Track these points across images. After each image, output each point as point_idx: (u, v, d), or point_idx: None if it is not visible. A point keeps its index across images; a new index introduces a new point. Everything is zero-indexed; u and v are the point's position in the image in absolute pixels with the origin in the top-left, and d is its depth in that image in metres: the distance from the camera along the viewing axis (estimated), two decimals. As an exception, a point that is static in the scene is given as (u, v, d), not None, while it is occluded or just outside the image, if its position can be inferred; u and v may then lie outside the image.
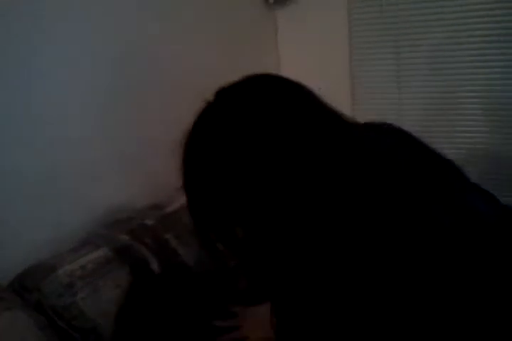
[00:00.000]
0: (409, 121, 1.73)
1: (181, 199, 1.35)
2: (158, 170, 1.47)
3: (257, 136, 0.74)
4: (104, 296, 1.03)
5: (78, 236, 1.14)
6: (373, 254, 0.67)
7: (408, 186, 0.72)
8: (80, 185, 1.24)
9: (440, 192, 0.74)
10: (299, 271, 0.73)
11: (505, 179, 1.75)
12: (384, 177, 0.72)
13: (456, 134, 1.82)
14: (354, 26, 1.88)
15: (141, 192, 1.40)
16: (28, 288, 1.00)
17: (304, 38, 1.96)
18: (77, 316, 1.00)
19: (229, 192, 0.77)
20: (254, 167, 0.74)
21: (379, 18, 1.82)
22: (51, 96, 1.15)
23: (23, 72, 1.09)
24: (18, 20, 1.07)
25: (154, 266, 1.14)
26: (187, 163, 0.81)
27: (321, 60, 1.94)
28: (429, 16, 1.73)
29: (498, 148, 1.76)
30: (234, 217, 0.81)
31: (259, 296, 0.99)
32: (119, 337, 1.00)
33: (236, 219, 0.81)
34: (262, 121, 0.74)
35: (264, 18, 1.95)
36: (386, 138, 0.82)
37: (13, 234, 1.09)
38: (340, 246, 0.69)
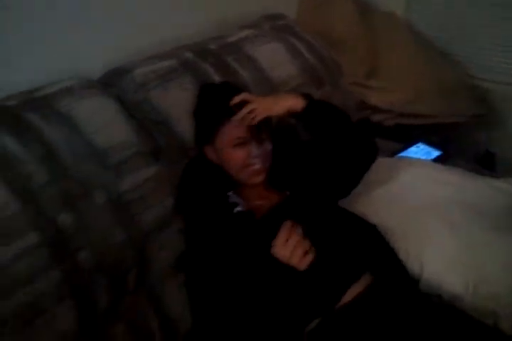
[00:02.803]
0: None
1: (242, 33, 1.49)
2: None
3: None
4: (172, 95, 1.21)
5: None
6: None
7: None
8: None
9: None
10: None
11: None
12: None
13: None
14: None
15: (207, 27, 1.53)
16: (109, 84, 1.20)
17: None
18: (150, 110, 1.20)
19: None
20: None
21: None
22: None
23: None
24: None
25: (216, 78, 1.30)
26: None
27: None
28: None
29: None
30: None
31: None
32: None
33: None
34: None
35: None
36: None
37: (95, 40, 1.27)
38: None
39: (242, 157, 1.15)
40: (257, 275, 1.02)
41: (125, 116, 1.13)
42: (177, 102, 1.21)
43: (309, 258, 0.96)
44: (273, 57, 1.43)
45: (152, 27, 1.38)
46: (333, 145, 1.17)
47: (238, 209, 1.15)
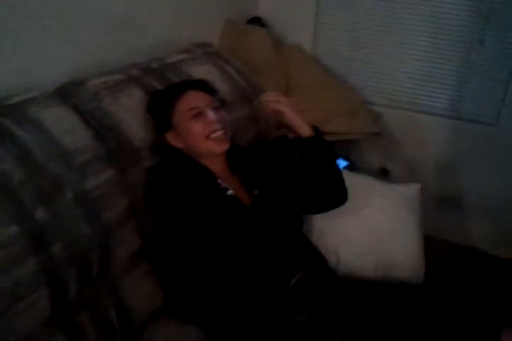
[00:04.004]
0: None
1: (180, 56, 1.66)
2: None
3: None
4: (122, 103, 1.32)
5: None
6: None
7: None
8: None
9: None
10: None
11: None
12: None
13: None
14: None
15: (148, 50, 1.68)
16: (65, 95, 1.30)
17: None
18: (103, 117, 1.30)
19: None
20: None
21: None
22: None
23: None
24: None
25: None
26: None
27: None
28: None
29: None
30: None
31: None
32: None
33: None
34: None
35: None
36: None
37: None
38: None
39: (202, 126, 1.26)
40: (245, 241, 1.21)
41: (83, 123, 1.23)
42: (126, 109, 1.33)
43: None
44: (208, 76, 1.61)
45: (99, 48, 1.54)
46: (313, 180, 1.33)
47: (230, 192, 1.26)
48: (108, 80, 1.35)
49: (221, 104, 1.37)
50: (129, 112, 1.34)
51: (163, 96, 1.34)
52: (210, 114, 1.27)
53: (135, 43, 1.67)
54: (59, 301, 1.05)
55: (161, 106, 1.33)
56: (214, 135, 1.28)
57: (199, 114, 1.28)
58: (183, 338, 1.25)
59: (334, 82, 2.21)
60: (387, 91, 2.26)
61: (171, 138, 1.31)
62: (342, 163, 1.93)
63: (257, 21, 2.27)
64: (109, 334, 1.16)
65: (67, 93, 1.29)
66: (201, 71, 1.61)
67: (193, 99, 1.30)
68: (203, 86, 1.37)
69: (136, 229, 1.27)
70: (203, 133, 1.27)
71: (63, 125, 1.17)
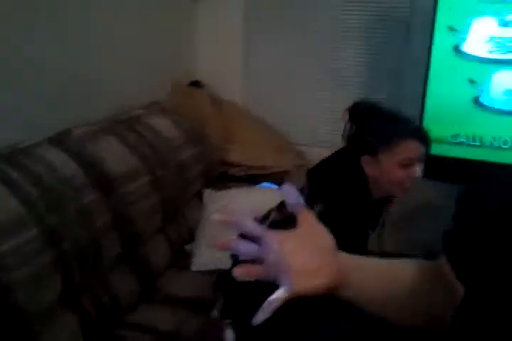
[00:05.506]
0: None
1: (139, 112, 2.13)
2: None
3: None
4: (102, 146, 1.78)
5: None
6: None
7: None
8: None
9: None
10: None
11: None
12: None
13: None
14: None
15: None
16: (59, 140, 1.72)
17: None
18: (88, 155, 1.73)
19: None
20: None
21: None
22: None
23: None
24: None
25: (131, 137, 1.91)
26: None
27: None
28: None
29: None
30: None
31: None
32: None
33: None
34: None
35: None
36: None
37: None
38: None
39: (403, 176, 1.35)
40: None
41: (73, 160, 1.65)
42: (105, 150, 1.77)
43: None
44: (165, 125, 2.11)
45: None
46: None
47: None
48: (90, 129, 1.81)
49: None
50: (108, 152, 1.78)
51: (389, 130, 1.36)
52: (417, 171, 1.34)
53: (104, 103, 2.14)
54: (68, 285, 1.43)
55: (382, 137, 1.35)
56: (405, 186, 1.38)
57: (409, 165, 1.35)
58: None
59: (263, 128, 2.74)
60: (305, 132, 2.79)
61: (367, 164, 1.39)
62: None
63: (197, 84, 2.80)
64: (104, 314, 1.54)
65: (60, 138, 1.73)
66: (159, 121, 2.11)
67: (413, 150, 1.34)
68: (424, 138, 1.39)
69: (118, 237, 1.68)
70: (401, 181, 1.37)
71: (60, 161, 1.60)
